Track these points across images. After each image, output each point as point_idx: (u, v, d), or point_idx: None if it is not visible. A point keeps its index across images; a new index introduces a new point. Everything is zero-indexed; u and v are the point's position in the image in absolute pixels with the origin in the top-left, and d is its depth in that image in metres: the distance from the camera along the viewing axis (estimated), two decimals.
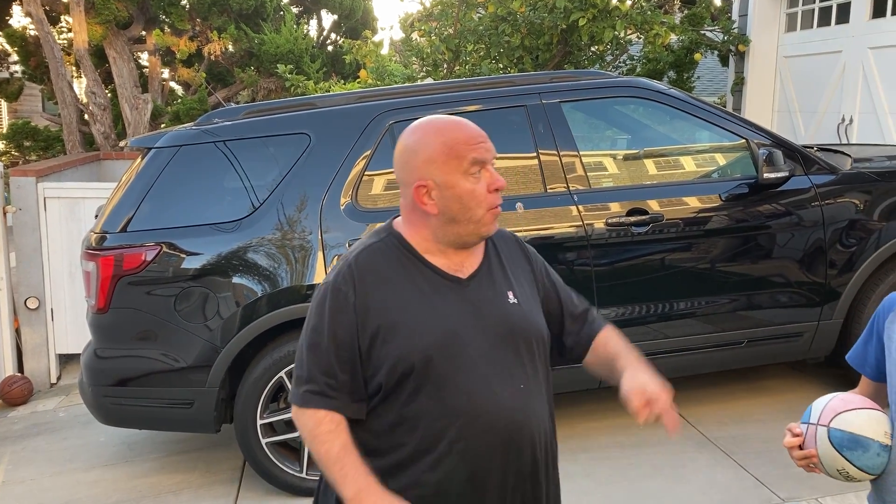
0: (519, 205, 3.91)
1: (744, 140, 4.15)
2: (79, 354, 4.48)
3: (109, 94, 10.80)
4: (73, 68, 11.48)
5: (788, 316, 4.12)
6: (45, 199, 5.89)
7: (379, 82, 7.99)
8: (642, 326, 4.00)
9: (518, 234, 2.05)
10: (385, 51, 11.19)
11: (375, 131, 3.93)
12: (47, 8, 10.28)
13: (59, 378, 6.13)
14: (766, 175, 3.97)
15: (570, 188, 3.98)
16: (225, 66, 11.78)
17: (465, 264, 1.76)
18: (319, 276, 3.76)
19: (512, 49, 7.76)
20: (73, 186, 6.24)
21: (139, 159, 4.01)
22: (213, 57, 10.97)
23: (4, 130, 13.01)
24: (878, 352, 1.82)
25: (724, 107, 7.84)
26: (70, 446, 4.79)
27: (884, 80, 6.70)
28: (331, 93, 6.44)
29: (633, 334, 2.65)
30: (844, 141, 6.99)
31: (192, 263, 3.74)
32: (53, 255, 5.93)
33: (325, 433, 1.68)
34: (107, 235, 3.77)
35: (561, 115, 4.07)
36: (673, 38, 8.14)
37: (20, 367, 5.99)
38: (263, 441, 3.76)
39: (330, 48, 13.27)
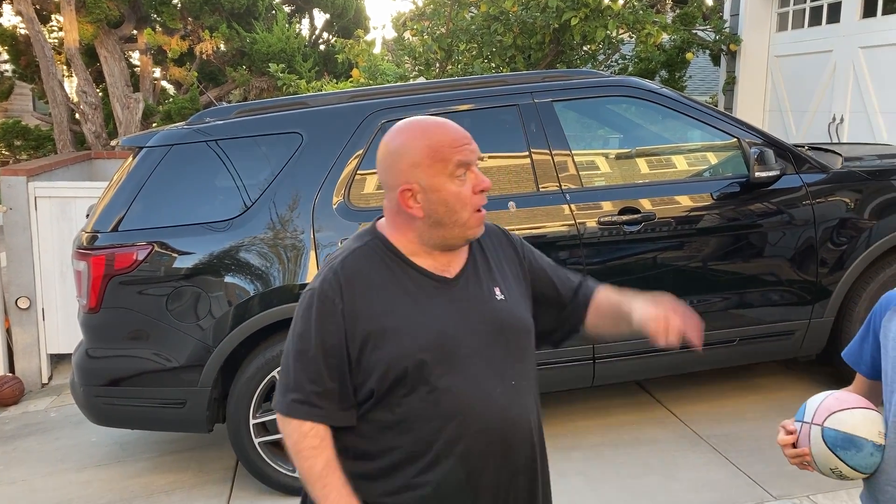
0: (511, 204, 3.91)
1: (735, 139, 4.16)
2: (70, 354, 4.46)
3: (100, 94, 10.76)
4: (64, 67, 11.46)
5: (780, 314, 4.14)
6: (35, 198, 5.87)
7: (371, 81, 7.99)
8: None
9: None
10: (377, 50, 11.21)
11: (367, 130, 3.92)
12: (38, 6, 10.23)
13: (50, 378, 6.11)
14: (757, 174, 3.99)
15: (563, 187, 3.99)
16: (216, 66, 11.76)
17: (451, 264, 1.75)
18: (312, 275, 3.75)
19: (504, 48, 7.77)
20: (64, 186, 6.22)
21: (130, 158, 3.99)
22: (204, 56, 10.95)
23: None
24: (874, 350, 1.82)
25: (716, 106, 7.86)
26: (62, 447, 4.77)
27: (874, 79, 6.73)
28: (323, 92, 6.43)
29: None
30: (835, 140, 7.02)
31: (183, 263, 3.73)
32: (44, 254, 5.92)
33: (308, 448, 1.66)
34: (98, 235, 3.75)
35: (553, 114, 4.07)
36: (665, 37, 8.16)
37: (11, 368, 5.97)
38: (256, 440, 3.75)
39: (322, 47, 13.24)
